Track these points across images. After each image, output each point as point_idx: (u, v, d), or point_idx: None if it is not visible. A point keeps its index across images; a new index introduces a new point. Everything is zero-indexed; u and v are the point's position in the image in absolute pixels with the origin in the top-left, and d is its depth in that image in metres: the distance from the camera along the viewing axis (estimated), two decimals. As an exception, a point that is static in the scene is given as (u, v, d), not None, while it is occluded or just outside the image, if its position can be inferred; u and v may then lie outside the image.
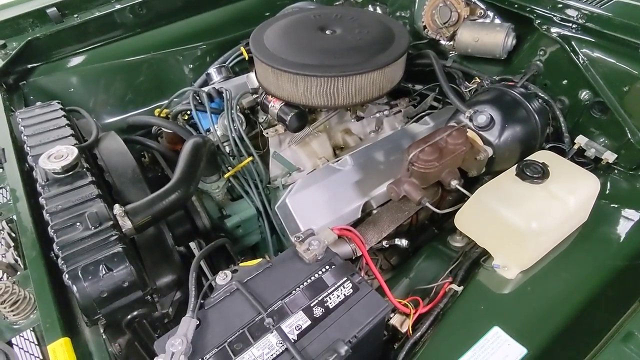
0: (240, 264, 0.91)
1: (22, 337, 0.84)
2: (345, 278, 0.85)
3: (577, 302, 0.89)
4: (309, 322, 0.78)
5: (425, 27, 1.57)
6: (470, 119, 1.15)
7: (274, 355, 0.73)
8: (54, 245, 0.87)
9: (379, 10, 1.76)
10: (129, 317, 0.89)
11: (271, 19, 1.49)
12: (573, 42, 1.22)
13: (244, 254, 1.46)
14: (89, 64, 1.81)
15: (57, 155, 1.04)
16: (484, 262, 1.01)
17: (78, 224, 0.91)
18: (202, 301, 0.82)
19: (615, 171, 1.22)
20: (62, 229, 0.90)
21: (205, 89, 1.51)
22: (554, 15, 1.26)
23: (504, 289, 0.95)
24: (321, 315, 0.79)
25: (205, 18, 2.06)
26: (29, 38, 1.70)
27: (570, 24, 1.23)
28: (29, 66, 1.73)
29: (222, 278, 0.85)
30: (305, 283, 0.83)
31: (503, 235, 0.97)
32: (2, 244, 1.03)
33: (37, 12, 1.74)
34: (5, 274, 0.95)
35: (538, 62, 1.32)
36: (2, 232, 1.04)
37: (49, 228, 0.91)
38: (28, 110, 1.27)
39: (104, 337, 0.84)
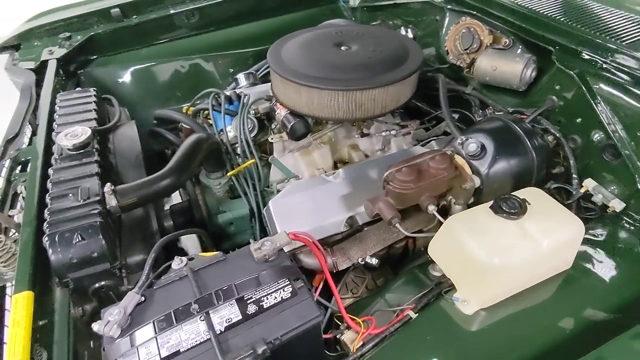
0: (200, 254, 0.96)
1: (7, 286, 0.96)
2: (287, 282, 0.86)
3: (529, 351, 0.82)
4: (240, 317, 0.81)
5: (448, 52, 1.55)
6: (462, 146, 1.12)
7: (198, 342, 0.77)
8: (45, 210, 0.99)
9: (410, 33, 1.76)
10: (96, 286, 0.97)
11: (298, 31, 1.56)
12: (589, 79, 1.15)
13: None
14: (139, 60, 2.00)
15: (72, 134, 1.17)
16: (446, 293, 0.97)
17: (71, 195, 1.02)
18: (154, 281, 0.88)
19: (623, 222, 1.11)
20: (56, 197, 1.02)
21: (227, 92, 1.61)
22: (576, 50, 1.20)
23: (456, 323, 0.90)
24: (253, 313, 0.81)
25: (249, 28, 2.20)
26: (92, 33, 1.93)
27: (589, 61, 1.16)
28: (89, 57, 1.95)
29: (177, 263, 0.91)
30: (246, 279, 0.86)
31: (466, 268, 0.93)
32: (17, 206, 1.17)
33: (103, 11, 1.97)
34: (9, 231, 1.08)
35: (553, 97, 1.25)
36: (20, 195, 1.19)
37: (46, 195, 1.03)
38: (67, 94, 1.45)
39: (69, 300, 0.93)
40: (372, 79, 1.24)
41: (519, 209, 0.93)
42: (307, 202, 1.24)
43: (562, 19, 1.28)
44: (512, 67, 1.33)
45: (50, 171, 1.10)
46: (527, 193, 1.00)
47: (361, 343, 0.96)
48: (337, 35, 1.46)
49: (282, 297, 0.84)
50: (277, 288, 0.85)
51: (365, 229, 1.28)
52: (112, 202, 1.03)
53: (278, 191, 1.38)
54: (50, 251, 0.91)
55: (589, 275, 0.98)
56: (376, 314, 1.06)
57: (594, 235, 1.08)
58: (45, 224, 0.95)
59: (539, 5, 1.39)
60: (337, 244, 1.30)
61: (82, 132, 1.18)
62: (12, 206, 1.18)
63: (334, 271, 1.29)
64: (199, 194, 1.50)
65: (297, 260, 1.32)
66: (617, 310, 0.90)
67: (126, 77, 2.00)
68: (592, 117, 1.15)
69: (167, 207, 1.44)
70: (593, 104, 1.13)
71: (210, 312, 0.81)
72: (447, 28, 1.56)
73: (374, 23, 2.00)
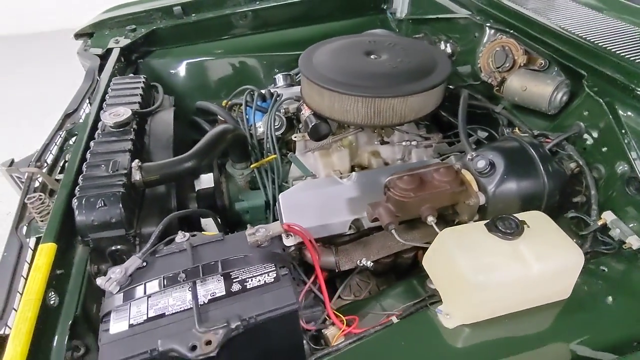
0: (203, 233, 1.04)
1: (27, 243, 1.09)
2: (273, 268, 0.92)
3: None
4: (224, 292, 0.87)
5: (480, 69, 1.53)
6: (472, 162, 1.11)
7: (182, 309, 0.84)
8: (80, 177, 1.12)
9: (448, 48, 1.76)
10: (112, 248, 1.08)
11: (335, 37, 1.62)
12: (618, 108, 1.10)
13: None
14: (192, 54, 2.16)
15: (115, 114, 1.31)
16: (433, 304, 0.97)
17: (103, 166, 1.15)
18: (158, 250, 0.98)
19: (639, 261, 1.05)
20: (91, 166, 1.15)
21: (264, 90, 1.71)
22: (609, 76, 1.15)
23: (434, 335, 0.90)
24: (236, 291, 0.88)
25: (298, 32, 2.30)
26: (154, 27, 2.12)
27: (622, 88, 1.11)
28: (149, 49, 2.14)
29: (180, 237, 1.00)
30: (236, 260, 0.92)
31: (451, 281, 0.93)
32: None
33: (166, 8, 2.15)
34: (55, 193, 1.23)
35: (581, 124, 1.21)
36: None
37: (84, 164, 1.17)
38: (120, 78, 1.61)
39: (88, 257, 1.05)
40: (393, 88, 1.27)
41: (515, 230, 0.92)
42: (315, 199, 1.28)
43: (599, 43, 1.23)
44: (542, 89, 1.30)
45: (91, 144, 1.25)
46: (530, 216, 0.98)
47: (342, 339, 0.99)
48: (369, 44, 1.50)
49: (265, 281, 0.89)
50: (262, 272, 0.91)
51: (373, 234, 1.31)
52: (136, 176, 1.15)
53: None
54: (76, 212, 1.04)
55: (587, 310, 0.94)
56: (363, 315, 1.08)
57: (605, 270, 1.03)
58: (77, 188, 1.09)
59: (579, 27, 1.34)
60: (343, 244, 1.34)
61: (124, 112, 1.32)
62: (61, 172, 1.35)
63: (337, 270, 1.33)
64: (223, 181, 1.61)
65: (302, 255, 1.38)
66: (608, 350, 0.86)
67: (179, 69, 2.16)
68: (618, 147, 1.09)
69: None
70: (619, 133, 1.08)
71: (197, 284, 0.88)
72: (484, 45, 1.55)
73: (417, 36, 2.01)
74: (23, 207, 1.15)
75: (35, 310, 0.85)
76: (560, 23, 1.38)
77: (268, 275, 0.90)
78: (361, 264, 1.21)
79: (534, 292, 0.92)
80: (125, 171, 1.13)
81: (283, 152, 1.55)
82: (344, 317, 1.04)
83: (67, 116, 1.54)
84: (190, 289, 0.87)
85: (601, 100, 1.12)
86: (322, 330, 1.05)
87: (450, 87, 1.75)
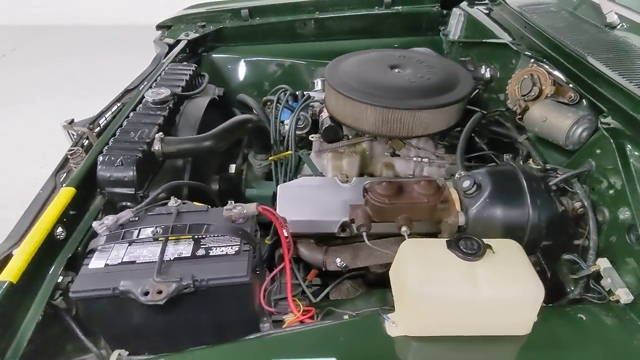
0: (194, 203, 1.16)
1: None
2: (238, 243, 1.00)
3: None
4: (189, 255, 0.98)
5: (508, 95, 1.49)
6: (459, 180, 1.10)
7: (149, 260, 0.96)
8: (112, 138, 1.31)
9: (487, 73, 1.73)
10: (122, 204, 1.24)
11: (371, 49, 1.68)
12: (627, 149, 1.02)
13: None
14: (251, 53, 2.35)
15: (157, 92, 1.50)
16: (385, 311, 0.98)
17: (132, 133, 1.33)
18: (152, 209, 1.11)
19: (627, 317, 0.96)
20: (123, 132, 1.34)
21: (298, 92, 1.82)
22: (630, 114, 1.07)
23: (374, 339, 0.91)
24: (199, 255, 0.97)
25: (354, 44, 2.39)
26: (221, 26, 2.34)
27: (637, 126, 1.03)
28: (214, 44, 2.37)
29: (172, 202, 1.12)
30: (209, 228, 1.01)
31: (401, 290, 0.93)
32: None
33: (235, 10, 2.37)
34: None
35: (592, 162, 1.13)
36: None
37: (118, 129, 1.35)
38: (174, 65, 1.82)
39: (102, 207, 1.23)
40: (403, 100, 1.30)
41: (476, 252, 0.90)
42: (311, 195, 1.35)
43: (629, 78, 1.15)
44: (561, 121, 1.24)
45: (131, 114, 1.44)
46: (503, 244, 0.96)
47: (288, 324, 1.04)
48: (398, 59, 1.54)
49: (227, 252, 0.98)
50: (227, 244, 1.00)
51: (355, 244, 1.34)
52: (156, 146, 1.30)
53: (301, 183, 1.52)
54: (99, 167, 1.22)
55: (542, 352, 0.89)
56: (328, 312, 1.12)
57: (583, 319, 0.96)
58: (105, 146, 1.27)
59: (615, 61, 1.26)
60: (335, 245, 1.38)
61: (164, 92, 1.50)
62: (108, 134, 1.56)
63: (323, 269, 1.38)
64: (244, 169, 1.74)
65: (295, 249, 1.44)
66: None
67: (236, 66, 2.36)
68: (622, 191, 1.02)
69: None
70: (624, 176, 1.00)
71: (169, 242, 1.00)
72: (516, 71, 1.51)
73: (463, 59, 1.99)
74: (66, 158, 1.36)
75: (41, 237, 1.02)
76: (598, 56, 1.31)
77: (231, 248, 0.99)
78: (338, 263, 1.24)
79: (484, 319, 0.89)
80: (148, 140, 1.30)
81: (303, 151, 1.63)
82: (303, 307, 1.08)
83: (126, 91, 1.78)
84: (161, 245, 0.98)
85: (611, 139, 1.05)
86: (283, 316, 1.11)
87: (483, 112, 1.72)
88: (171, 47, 2.17)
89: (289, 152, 1.59)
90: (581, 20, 1.62)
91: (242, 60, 2.34)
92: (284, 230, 1.15)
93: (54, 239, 1.06)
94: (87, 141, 1.50)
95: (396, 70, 1.47)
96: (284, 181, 1.60)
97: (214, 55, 2.34)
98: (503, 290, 0.86)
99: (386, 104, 1.29)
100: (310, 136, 1.61)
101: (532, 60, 1.45)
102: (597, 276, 1.04)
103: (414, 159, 1.49)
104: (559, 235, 1.16)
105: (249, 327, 1.05)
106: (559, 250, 1.16)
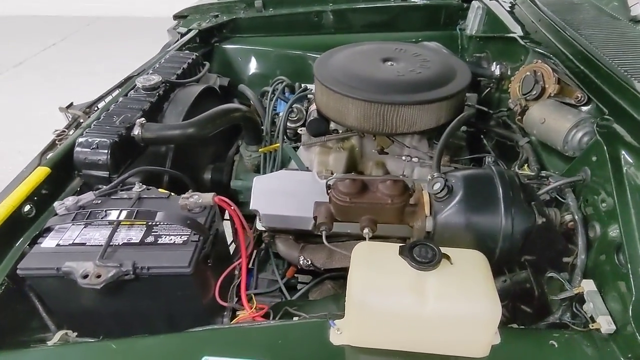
0: (159, 190, 1.15)
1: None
2: (187, 233, 0.97)
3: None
4: (138, 241, 0.96)
5: (510, 94, 1.37)
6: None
7: (98, 243, 0.95)
8: (93, 122, 1.33)
9: (497, 69, 1.60)
10: (98, 186, 1.26)
11: (369, 42, 1.61)
12: (623, 156, 0.89)
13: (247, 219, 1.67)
14: (262, 45, 2.33)
15: (148, 79, 1.51)
16: (333, 317, 0.92)
17: (115, 117, 1.34)
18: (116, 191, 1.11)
19: (608, 349, 0.84)
20: (107, 116, 1.35)
21: (298, 83, 1.78)
22: (633, 116, 0.94)
23: (314, 345, 0.86)
24: (147, 242, 0.96)
25: (363, 37, 2.29)
26: (234, 17, 2.34)
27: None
28: (227, 35, 2.37)
29: (136, 188, 1.12)
30: (163, 216, 1.00)
31: (347, 296, 0.87)
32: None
33: (249, 0, 2.36)
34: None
35: (587, 170, 1.01)
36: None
37: (103, 113, 1.37)
38: (176, 53, 1.83)
39: (77, 189, 1.24)
40: (386, 95, 1.22)
41: (430, 261, 0.82)
42: (287, 189, 1.30)
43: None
44: (559, 124, 1.11)
45: (120, 99, 1.46)
46: (466, 255, 0.87)
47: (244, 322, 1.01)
48: (392, 52, 1.45)
49: (174, 241, 0.96)
50: (177, 233, 0.98)
51: (343, 242, 1.28)
52: (136, 131, 1.30)
53: (285, 177, 1.47)
54: (76, 148, 1.23)
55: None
56: (285, 312, 1.08)
57: (555, 346, 0.85)
58: (87, 129, 1.29)
59: (633, 61, 1.12)
60: (315, 244, 1.33)
61: (155, 79, 1.50)
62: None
63: (298, 267, 1.33)
64: (236, 160, 1.72)
65: (273, 245, 1.41)
66: None
67: (247, 57, 2.35)
68: (614, 205, 0.89)
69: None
70: (614, 188, 0.88)
71: (123, 227, 0.99)
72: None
73: (478, 55, 1.87)
74: (54, 140, 1.40)
75: (7, 212, 1.04)
76: (613, 54, 1.16)
77: (180, 237, 0.96)
78: (301, 261, 1.19)
79: (432, 336, 0.81)
80: (128, 125, 1.30)
81: (288, 143, 1.59)
82: (257, 305, 1.05)
83: (129, 78, 1.81)
84: (112, 229, 0.98)
85: (604, 145, 0.93)
86: (237, 311, 1.08)
87: (491, 111, 1.60)
88: (183, 36, 2.20)
89: (277, 145, 1.55)
90: (604, 14, 1.45)
91: (253, 51, 2.33)
92: (249, 226, 1.11)
93: (21, 216, 1.08)
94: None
95: (389, 63, 1.39)
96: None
97: (225, 46, 2.34)
98: (451, 305, 0.78)
99: (367, 98, 1.22)
100: (299, 129, 1.56)
101: (540, 56, 1.31)
102: (582, 299, 0.93)
103: (403, 158, 1.40)
104: (547, 250, 1.05)
105: (201, 320, 1.02)
106: (549, 265, 1.05)
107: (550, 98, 1.22)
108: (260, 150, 1.61)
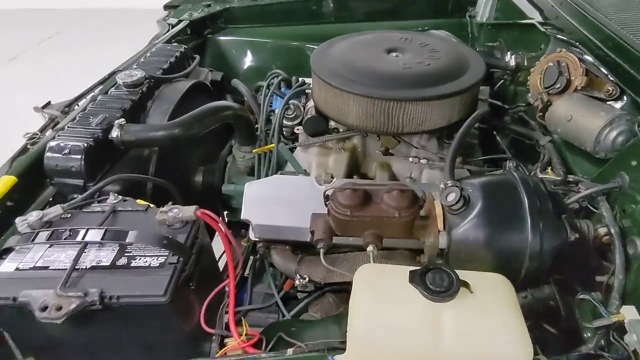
0: (137, 201, 1.02)
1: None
2: (166, 254, 0.85)
3: None
4: (108, 264, 0.84)
5: (529, 87, 1.23)
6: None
7: (64, 267, 0.83)
8: (68, 123, 1.20)
9: (513, 60, 1.46)
10: (74, 196, 1.13)
11: (371, 31, 1.47)
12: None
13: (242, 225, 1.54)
14: (258, 36, 2.18)
15: (129, 75, 1.38)
16: (333, 350, 0.80)
17: (92, 118, 1.21)
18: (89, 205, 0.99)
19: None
20: (83, 116, 1.22)
21: (295, 77, 1.64)
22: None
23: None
24: (119, 265, 0.83)
25: (367, 26, 2.14)
26: (228, 6, 2.19)
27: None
28: (221, 25, 2.22)
29: (111, 199, 0.99)
30: (139, 234, 0.87)
31: (349, 326, 0.75)
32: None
33: (242, -11, 2.21)
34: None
35: (625, 176, 0.87)
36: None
37: (80, 113, 1.24)
38: (163, 45, 1.69)
39: (49, 200, 1.12)
40: (391, 90, 1.09)
41: (446, 291, 0.69)
42: (282, 197, 1.17)
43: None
44: (590, 121, 0.98)
45: (99, 97, 1.33)
46: (487, 280, 0.75)
47: (238, 352, 0.89)
48: (398, 41, 1.31)
49: (150, 264, 0.83)
50: (153, 254, 0.85)
51: (346, 254, 1.15)
52: (114, 133, 1.18)
53: (281, 181, 1.35)
54: (46, 154, 1.11)
55: None
56: (279, 339, 0.96)
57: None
58: (60, 131, 1.16)
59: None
60: (313, 255, 1.21)
61: (137, 75, 1.37)
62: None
63: (295, 283, 1.21)
64: (229, 161, 1.59)
65: (268, 255, 1.29)
66: None
67: (242, 49, 2.20)
68: (661, 218, 0.76)
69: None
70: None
71: (92, 247, 0.86)
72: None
73: (490, 44, 1.72)
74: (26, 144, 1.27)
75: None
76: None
77: (156, 259, 0.84)
78: (298, 282, 1.07)
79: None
80: (105, 127, 1.17)
81: (283, 144, 1.45)
82: (247, 332, 0.93)
83: (113, 73, 1.67)
84: (80, 250, 0.85)
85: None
86: (225, 339, 0.96)
87: (506, 106, 1.46)
88: (173, 27, 2.05)
89: (271, 145, 1.42)
90: (635, -5, 1.30)
91: (248, 42, 2.18)
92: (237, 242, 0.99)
93: (-19, 230, 0.96)
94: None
95: (393, 54, 1.25)
96: (266, 177, 1.43)
97: (219, 38, 2.20)
98: (472, 345, 0.65)
99: (370, 94, 1.08)
100: (296, 128, 1.43)
101: (564, 44, 1.17)
102: (621, 328, 0.80)
103: (410, 159, 1.27)
104: (578, 267, 0.92)
105: (185, 348, 0.91)
106: (579, 285, 0.92)
107: (576, 92, 1.08)
108: (254, 151, 1.48)
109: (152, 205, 1.00)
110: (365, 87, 1.10)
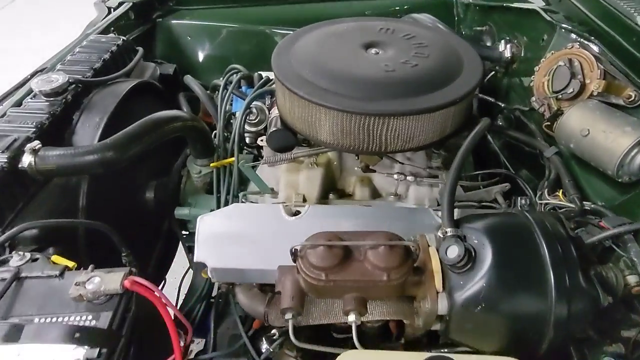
0: (54, 257, 0.80)
1: None
2: (80, 351, 0.63)
3: None
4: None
5: (533, 89, 1.04)
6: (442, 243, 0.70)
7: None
8: None
9: (508, 50, 1.26)
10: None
11: (342, 19, 1.23)
12: None
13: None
14: (214, 19, 1.90)
15: (47, 80, 1.11)
16: None
17: (-1, 140, 0.96)
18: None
19: None
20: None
21: (258, 74, 1.40)
22: None
23: None
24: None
25: (341, 7, 1.92)
26: (180, -16, 1.89)
27: None
28: (171, 6, 1.92)
29: (16, 260, 0.77)
30: (33, 331, 0.64)
31: None
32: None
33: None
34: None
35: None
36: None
37: None
38: (96, 37, 1.41)
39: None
40: (370, 102, 0.88)
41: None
42: (242, 233, 0.97)
43: None
44: (612, 138, 0.80)
45: (8, 112, 1.06)
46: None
47: None
48: (377, 33, 1.09)
49: (56, 360, 0.62)
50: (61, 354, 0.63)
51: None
52: (27, 161, 0.93)
53: (243, 202, 1.14)
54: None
55: None
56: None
57: None
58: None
59: None
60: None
61: (58, 80, 1.11)
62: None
63: (265, 324, 1.02)
64: (185, 175, 1.36)
65: (233, 294, 1.09)
66: None
67: (198, 35, 1.92)
68: None
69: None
70: None
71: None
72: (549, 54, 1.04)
73: (479, 28, 1.52)
74: None
75: None
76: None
77: (64, 356, 0.63)
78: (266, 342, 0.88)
79: None
80: (14, 154, 0.93)
81: (244, 161, 1.23)
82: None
83: (34, 74, 1.39)
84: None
85: None
86: None
87: (500, 103, 1.28)
88: (113, 11, 1.75)
89: (231, 159, 1.20)
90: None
91: (205, 27, 1.90)
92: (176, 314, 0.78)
93: None
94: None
95: (373, 50, 1.03)
96: (226, 197, 1.22)
97: (171, 22, 1.90)
98: None
99: (345, 107, 0.87)
100: (259, 139, 1.21)
101: (573, 38, 0.98)
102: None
103: (395, 176, 1.07)
104: (600, 319, 0.76)
105: None
106: (599, 339, 0.77)
107: (592, 97, 0.90)
108: (211, 165, 1.26)
109: (71, 265, 0.77)
110: (340, 98, 0.88)
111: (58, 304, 0.70)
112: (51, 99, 1.10)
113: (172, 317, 0.76)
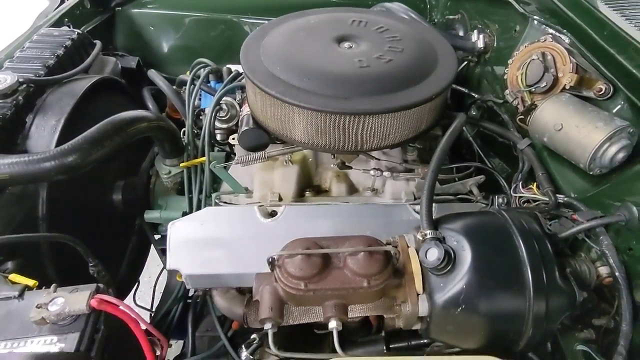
0: (14, 276, 0.74)
1: None
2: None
3: None
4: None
5: (506, 82, 1.04)
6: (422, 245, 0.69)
7: None
8: None
9: (481, 40, 1.26)
10: None
11: (311, 10, 1.19)
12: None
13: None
14: (179, 7, 1.81)
15: (-5, 80, 1.03)
16: None
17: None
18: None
19: None
20: None
21: (227, 68, 1.35)
22: None
23: None
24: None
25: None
26: (142, -33, 1.77)
27: None
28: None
29: (-28, 279, 0.71)
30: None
31: None
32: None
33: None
34: None
35: (632, 207, 0.72)
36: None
37: None
38: (47, 31, 1.30)
39: None
40: (346, 100, 0.85)
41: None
42: (216, 237, 0.94)
43: None
44: (585, 133, 0.81)
45: (-50, 114, 0.98)
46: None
47: None
48: (350, 26, 1.06)
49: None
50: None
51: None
52: (-26, 170, 0.86)
53: (216, 203, 1.10)
54: None
55: None
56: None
57: None
58: None
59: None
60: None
61: (7, 80, 1.02)
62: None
63: (245, 326, 0.99)
64: (153, 175, 1.30)
65: (210, 297, 1.07)
66: None
67: (162, 24, 1.83)
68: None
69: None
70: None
71: None
72: (521, 46, 1.04)
73: (452, 17, 1.50)
74: None
75: None
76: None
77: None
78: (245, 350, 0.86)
79: None
80: (-39, 163, 0.85)
81: (215, 162, 1.18)
82: None
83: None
84: None
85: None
86: None
87: (474, 94, 1.28)
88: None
89: (202, 159, 1.16)
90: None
91: (167, 16, 1.80)
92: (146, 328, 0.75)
93: None
94: None
95: (345, 44, 1.00)
96: (199, 197, 1.17)
97: (132, 10, 1.80)
98: None
99: (321, 106, 0.84)
100: (231, 138, 1.17)
101: (546, 30, 0.98)
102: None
103: (372, 173, 1.06)
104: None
105: None
106: (572, 327, 0.78)
107: (564, 91, 0.91)
108: (181, 165, 1.20)
109: (32, 284, 0.72)
110: (314, 97, 0.85)
111: (19, 327, 0.65)
112: (0, 101, 1.02)
113: (145, 332, 0.73)
